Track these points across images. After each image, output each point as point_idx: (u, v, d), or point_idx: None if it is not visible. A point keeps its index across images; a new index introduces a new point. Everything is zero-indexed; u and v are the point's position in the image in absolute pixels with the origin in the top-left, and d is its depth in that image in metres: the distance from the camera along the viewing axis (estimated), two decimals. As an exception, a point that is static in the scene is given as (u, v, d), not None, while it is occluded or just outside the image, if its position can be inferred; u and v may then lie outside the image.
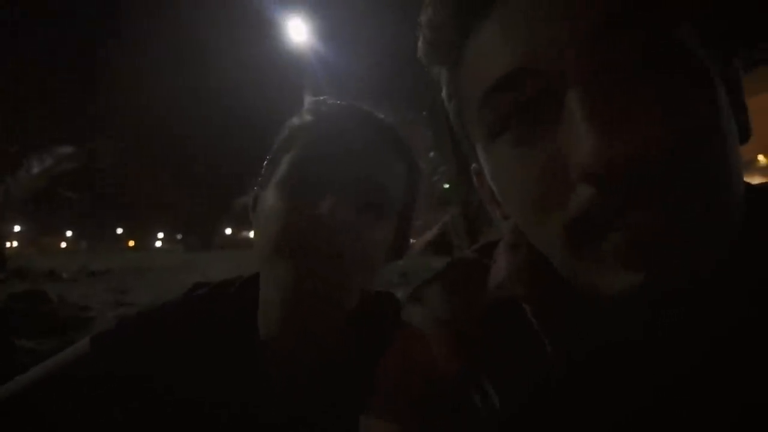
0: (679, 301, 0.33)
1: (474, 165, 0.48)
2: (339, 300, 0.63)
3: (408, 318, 0.49)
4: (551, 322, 0.40)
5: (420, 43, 0.44)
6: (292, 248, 0.59)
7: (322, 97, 0.71)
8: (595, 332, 0.38)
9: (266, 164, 0.69)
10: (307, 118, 0.67)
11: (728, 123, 0.34)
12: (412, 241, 0.74)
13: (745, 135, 0.37)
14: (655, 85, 0.32)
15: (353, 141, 0.63)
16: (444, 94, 0.46)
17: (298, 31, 10.64)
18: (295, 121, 0.69)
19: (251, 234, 0.70)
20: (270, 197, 0.63)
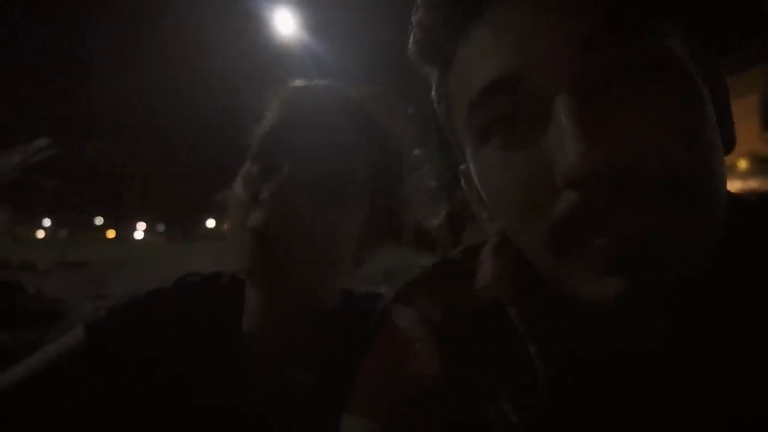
0: (661, 308, 0.33)
1: (462, 166, 0.48)
2: (311, 299, 0.62)
3: (393, 318, 0.48)
4: (536, 326, 0.40)
5: (411, 42, 0.43)
6: (248, 237, 0.58)
7: (296, 81, 0.68)
8: (580, 337, 0.38)
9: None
10: (276, 104, 0.65)
11: (714, 133, 0.34)
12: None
13: (729, 145, 0.38)
14: (643, 93, 0.32)
15: (313, 124, 0.61)
16: (434, 94, 0.46)
17: (285, 24, 10.52)
18: (268, 109, 0.67)
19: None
20: (237, 184, 0.63)
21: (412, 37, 0.43)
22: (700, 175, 0.32)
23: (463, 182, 0.50)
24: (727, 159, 0.38)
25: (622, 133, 0.31)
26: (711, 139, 0.34)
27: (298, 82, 0.68)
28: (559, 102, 0.32)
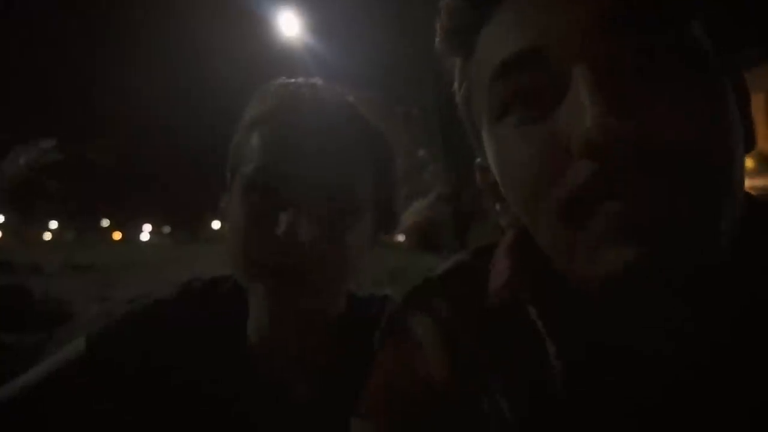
0: (680, 298, 0.33)
1: (478, 160, 0.48)
2: (321, 309, 0.61)
3: (403, 322, 0.48)
4: (555, 324, 0.40)
5: (438, 31, 0.44)
6: (257, 272, 0.56)
7: (283, 79, 0.65)
8: (599, 332, 0.38)
9: (231, 158, 0.64)
10: (266, 105, 0.61)
11: (737, 127, 0.34)
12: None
13: (749, 144, 0.38)
14: (664, 77, 0.32)
15: (318, 142, 0.57)
16: (456, 84, 0.46)
17: (289, 26, 10.54)
18: (255, 108, 0.63)
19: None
20: (234, 209, 0.59)
21: (438, 24, 0.44)
22: (719, 163, 0.32)
23: (477, 176, 0.49)
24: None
25: (640, 106, 0.31)
26: (734, 131, 0.33)
27: (285, 84, 0.64)
28: (577, 71, 0.32)
